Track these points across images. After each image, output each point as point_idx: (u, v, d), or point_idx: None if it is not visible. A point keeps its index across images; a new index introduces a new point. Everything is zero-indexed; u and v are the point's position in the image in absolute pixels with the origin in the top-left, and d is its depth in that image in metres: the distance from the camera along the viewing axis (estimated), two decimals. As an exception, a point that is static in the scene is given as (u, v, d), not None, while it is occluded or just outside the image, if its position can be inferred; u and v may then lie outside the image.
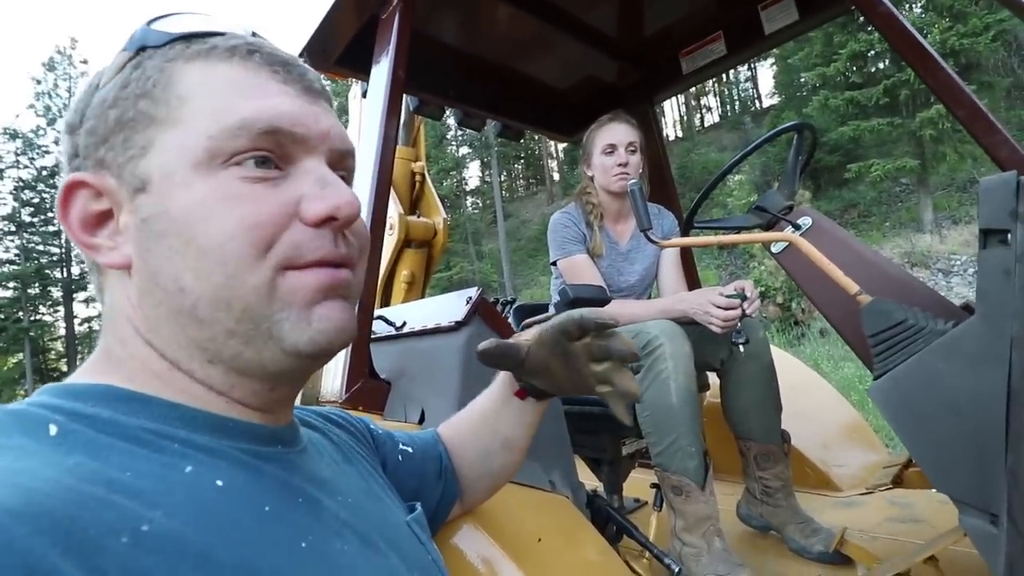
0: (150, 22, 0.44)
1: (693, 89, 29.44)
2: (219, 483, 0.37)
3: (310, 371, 0.46)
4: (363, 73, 1.58)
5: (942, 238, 12.81)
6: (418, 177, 2.70)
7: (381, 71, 1.38)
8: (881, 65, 14.68)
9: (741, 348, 1.31)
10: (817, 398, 2.05)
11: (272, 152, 0.41)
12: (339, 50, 1.64)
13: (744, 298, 1.32)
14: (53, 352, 27.70)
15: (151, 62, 0.42)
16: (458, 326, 1.07)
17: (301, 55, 1.62)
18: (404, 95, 2.15)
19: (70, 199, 0.41)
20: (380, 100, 1.34)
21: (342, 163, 0.47)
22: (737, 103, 31.75)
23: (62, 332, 27.97)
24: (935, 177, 14.58)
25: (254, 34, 0.47)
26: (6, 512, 0.26)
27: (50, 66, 29.05)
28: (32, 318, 26.44)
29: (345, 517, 0.45)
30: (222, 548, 0.33)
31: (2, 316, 25.59)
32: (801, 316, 9.46)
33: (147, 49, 0.42)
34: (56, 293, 27.66)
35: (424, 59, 1.85)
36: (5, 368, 26.42)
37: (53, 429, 0.34)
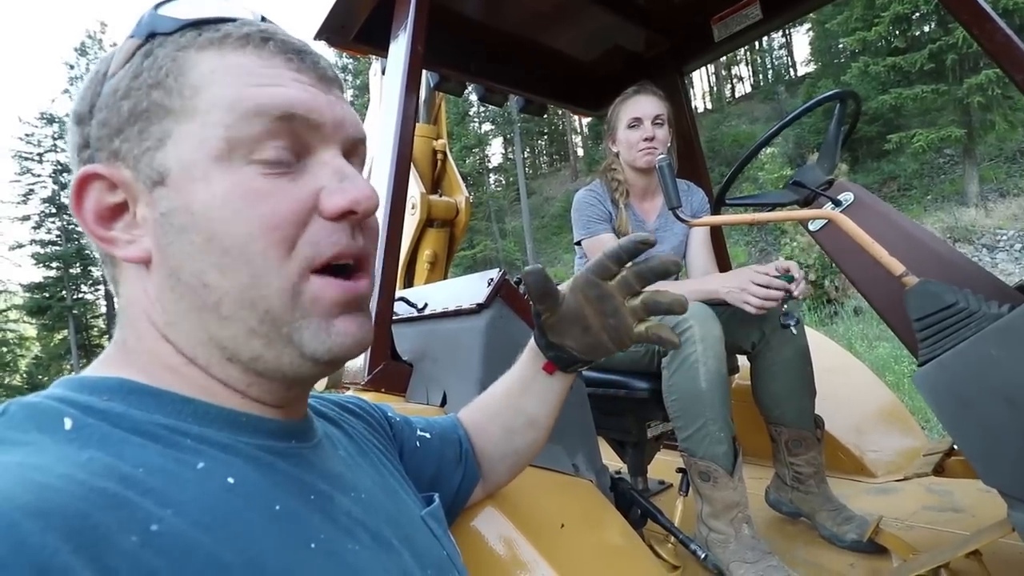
0: (157, 6, 0.42)
1: (724, 58, 28.43)
2: (230, 480, 0.37)
3: (327, 375, 0.46)
4: (382, 50, 1.54)
5: (988, 212, 12.20)
6: (439, 155, 2.66)
7: (399, 46, 1.34)
8: (927, 28, 13.85)
9: (792, 330, 1.26)
10: (851, 380, 1.98)
11: (289, 142, 0.41)
12: (357, 26, 1.61)
13: (791, 279, 1.25)
14: (95, 329, 28.94)
15: (162, 50, 0.41)
16: (480, 308, 1.05)
17: (319, 33, 1.59)
18: (424, 71, 2.11)
19: (84, 191, 0.41)
20: (399, 76, 1.31)
21: (355, 151, 0.47)
22: (770, 72, 30.46)
23: (103, 310, 29.19)
24: (982, 147, 13.84)
25: (263, 19, 0.45)
26: (18, 509, 0.26)
27: (82, 51, 29.66)
28: (75, 296, 27.60)
29: (357, 514, 0.44)
30: (230, 549, 0.33)
31: (47, 295, 26.81)
32: (834, 294, 9.20)
33: (157, 36, 0.42)
34: (96, 272, 28.72)
35: (444, 33, 1.80)
36: (52, 344, 27.81)
37: (68, 423, 0.34)
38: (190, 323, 0.40)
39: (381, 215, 1.20)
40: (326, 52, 0.49)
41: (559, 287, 0.64)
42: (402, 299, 1.32)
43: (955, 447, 1.55)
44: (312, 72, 0.44)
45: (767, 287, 1.24)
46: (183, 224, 0.39)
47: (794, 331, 1.27)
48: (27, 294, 27.36)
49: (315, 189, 0.41)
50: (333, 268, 0.42)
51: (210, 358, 0.41)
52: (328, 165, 0.42)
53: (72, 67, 29.40)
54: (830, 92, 1.23)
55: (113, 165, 0.40)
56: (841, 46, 17.46)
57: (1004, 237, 11.13)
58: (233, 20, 0.43)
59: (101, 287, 28.88)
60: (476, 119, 31.02)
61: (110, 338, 0.45)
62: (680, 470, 1.38)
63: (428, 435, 0.68)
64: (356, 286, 0.43)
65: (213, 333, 0.40)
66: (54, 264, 27.46)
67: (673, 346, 0.61)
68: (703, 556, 1.15)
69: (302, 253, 0.40)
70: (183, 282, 0.39)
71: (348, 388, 1.16)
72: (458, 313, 1.11)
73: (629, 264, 0.60)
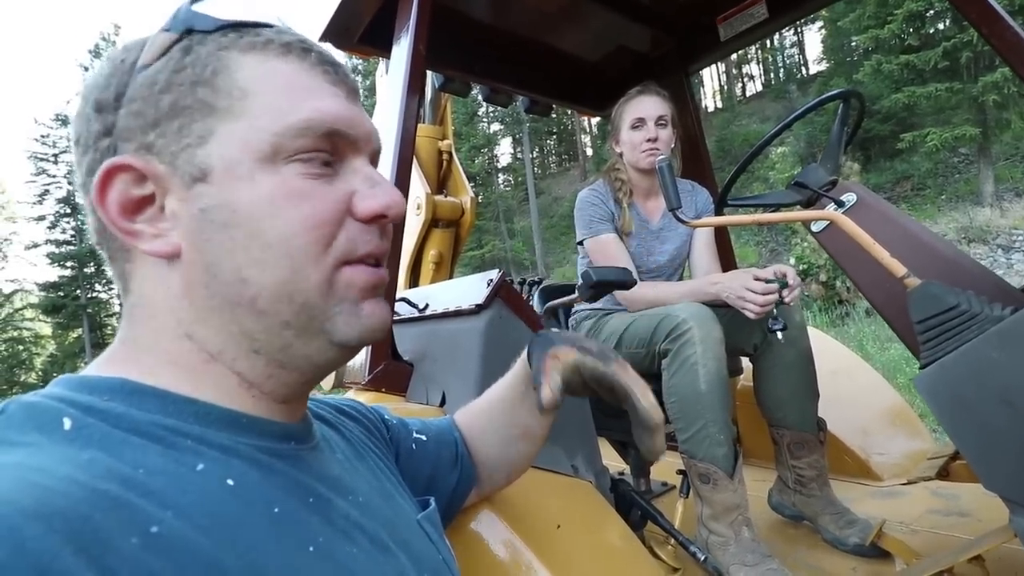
0: (193, 2, 0.43)
1: (734, 57, 28.23)
2: (230, 482, 0.37)
3: (345, 362, 0.49)
4: (387, 51, 1.55)
5: (1003, 212, 12.00)
6: (445, 156, 2.67)
7: (402, 48, 1.35)
8: (941, 26, 13.64)
9: (779, 335, 1.25)
10: (858, 382, 1.96)
11: (328, 152, 0.43)
12: (361, 28, 1.62)
13: (785, 285, 1.25)
14: (109, 327, 29.31)
15: (203, 48, 0.41)
16: (479, 309, 1.06)
17: (323, 36, 1.60)
18: (429, 72, 2.12)
19: (110, 182, 0.40)
20: (401, 77, 1.31)
21: (375, 160, 0.50)
22: (782, 70, 30.17)
23: (116, 308, 29.58)
24: (998, 146, 13.62)
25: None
26: (19, 512, 0.26)
27: (96, 53, 30.05)
28: (89, 295, 28.00)
29: (355, 517, 0.44)
30: (230, 552, 0.33)
31: (62, 294, 27.26)
32: (846, 295, 9.09)
33: (194, 33, 0.42)
34: (110, 272, 29.11)
35: (448, 34, 1.80)
36: (67, 342, 28.27)
37: (67, 423, 0.34)
38: (221, 318, 0.41)
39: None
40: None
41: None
42: (403, 299, 1.33)
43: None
44: (344, 85, 0.46)
45: (764, 293, 1.24)
46: (225, 220, 0.40)
47: (780, 337, 1.26)
48: (42, 293, 27.83)
49: (348, 192, 0.44)
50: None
51: (237, 351, 0.42)
52: (360, 172, 0.45)
53: (86, 69, 29.81)
54: (833, 92, 1.21)
55: (145, 158, 0.40)
56: (854, 44, 17.28)
57: (1020, 238, 10.92)
58: (270, 26, 0.44)
59: (115, 286, 29.27)
60: (485, 119, 31.03)
61: (124, 336, 0.45)
62: (680, 472, 1.37)
63: (424, 437, 0.68)
64: (379, 272, 0.46)
65: (246, 327, 0.41)
66: (69, 263, 27.87)
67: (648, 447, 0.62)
68: (703, 558, 1.15)
69: (339, 249, 0.43)
70: (218, 278, 0.40)
71: (350, 387, 1.17)
72: (458, 314, 1.11)
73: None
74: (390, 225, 0.48)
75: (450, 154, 2.67)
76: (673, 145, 1.63)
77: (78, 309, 26.85)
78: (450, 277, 2.61)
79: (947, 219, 12.24)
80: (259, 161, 0.40)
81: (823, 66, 23.85)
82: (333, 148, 0.44)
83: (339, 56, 0.52)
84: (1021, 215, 11.50)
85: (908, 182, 15.64)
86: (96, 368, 0.42)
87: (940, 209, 13.49)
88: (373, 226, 0.45)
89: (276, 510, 0.38)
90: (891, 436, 1.82)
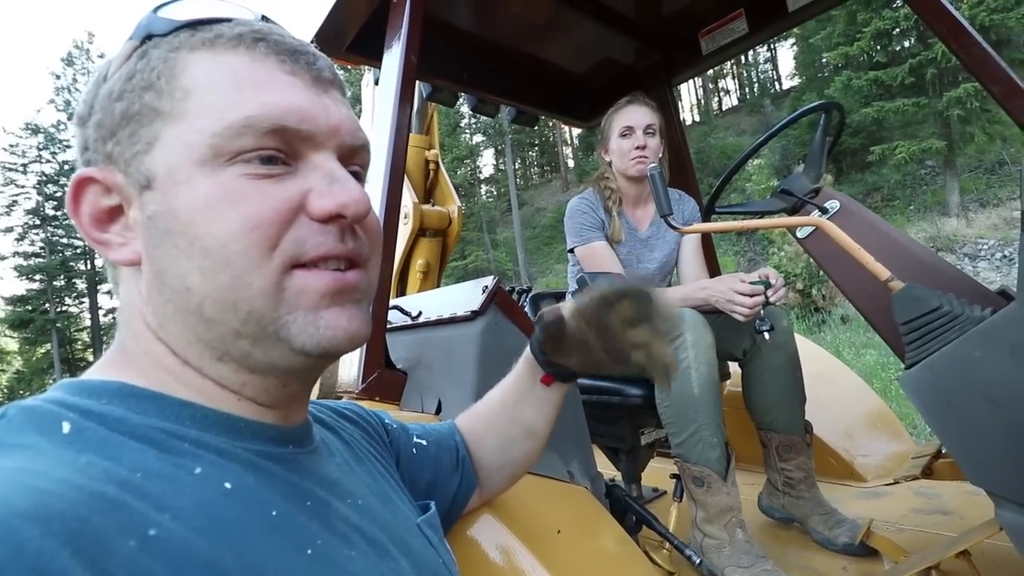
0: (156, 9, 0.42)
1: (711, 71, 28.90)
2: (228, 485, 0.36)
3: (322, 369, 0.45)
4: (375, 60, 1.55)
5: (969, 221, 12.45)
6: (432, 165, 2.68)
7: (393, 57, 1.35)
8: (907, 43, 14.22)
9: (766, 336, 1.28)
10: (841, 386, 2.00)
11: (279, 149, 0.40)
12: (351, 36, 1.62)
13: (768, 285, 1.29)
14: (79, 342, 28.45)
15: (156, 52, 0.40)
16: (474, 315, 1.06)
17: (312, 43, 1.61)
18: (417, 82, 2.13)
19: (80, 195, 0.41)
20: (392, 87, 1.32)
21: (355, 157, 0.45)
22: (756, 85, 31.02)
23: (87, 323, 28.73)
24: (962, 159, 14.14)
25: (264, 18, 0.45)
26: (17, 514, 0.25)
27: (68, 61, 29.48)
28: (58, 310, 27.17)
29: (354, 520, 0.44)
30: (228, 554, 0.33)
31: (30, 308, 26.39)
32: (822, 303, 9.30)
33: (153, 38, 0.41)
34: (81, 285, 28.35)
35: (437, 44, 1.82)
36: (34, 358, 27.29)
37: (66, 427, 0.34)
38: (178, 325, 0.40)
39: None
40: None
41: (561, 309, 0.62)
42: (396, 307, 1.32)
43: (943, 450, 1.57)
44: (307, 73, 0.42)
45: (750, 295, 1.27)
46: (167, 227, 0.38)
47: (767, 337, 1.29)
48: (9, 307, 26.88)
49: (303, 191, 0.40)
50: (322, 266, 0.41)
51: (201, 359, 0.41)
52: (319, 168, 0.41)
53: (58, 77, 29.18)
54: (816, 103, 1.26)
55: (107, 168, 0.40)
56: (824, 60, 17.84)
57: (985, 246, 11.35)
58: (228, 20, 0.42)
59: (85, 300, 28.46)
60: (467, 130, 31.18)
61: (95, 352, 0.44)
62: (674, 476, 1.38)
63: (425, 442, 0.68)
64: (344, 276, 0.42)
65: (200, 335, 0.40)
66: (37, 276, 27.05)
67: (663, 384, 0.60)
68: (698, 561, 1.16)
69: (285, 251, 0.39)
70: (168, 285, 0.39)
71: (342, 397, 1.15)
72: (452, 320, 1.11)
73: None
74: (372, 225, 0.45)
75: (437, 164, 2.68)
76: (661, 154, 1.66)
77: (47, 324, 25.99)
78: (437, 286, 2.61)
79: (916, 229, 12.65)
80: (199, 164, 0.38)
81: (795, 81, 24.60)
82: (286, 145, 0.40)
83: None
84: (986, 225, 11.95)
85: (878, 193, 16.13)
86: (96, 372, 0.42)
87: (909, 219, 13.93)
88: (331, 226, 0.41)
89: (274, 513, 0.37)
90: (874, 438, 1.86)
